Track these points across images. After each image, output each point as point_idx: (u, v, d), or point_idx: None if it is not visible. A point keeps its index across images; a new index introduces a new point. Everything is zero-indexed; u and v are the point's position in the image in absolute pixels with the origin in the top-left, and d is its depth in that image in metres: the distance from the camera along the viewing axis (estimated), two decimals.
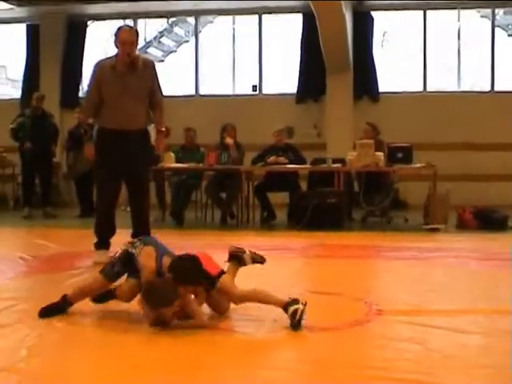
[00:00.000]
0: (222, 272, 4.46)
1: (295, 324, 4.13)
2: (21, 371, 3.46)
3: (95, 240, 7.13)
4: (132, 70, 6.92)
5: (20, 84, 15.89)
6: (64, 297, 4.60)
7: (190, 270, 4.26)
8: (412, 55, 14.64)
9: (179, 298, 4.17)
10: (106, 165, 6.99)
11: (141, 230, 7.26)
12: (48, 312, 4.51)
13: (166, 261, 4.36)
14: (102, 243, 7.07)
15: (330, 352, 3.83)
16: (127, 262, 4.49)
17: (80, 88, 15.48)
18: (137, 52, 7.15)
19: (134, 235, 7.28)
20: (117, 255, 4.56)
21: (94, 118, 7.07)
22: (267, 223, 11.02)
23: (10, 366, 3.51)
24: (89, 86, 7.32)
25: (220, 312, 4.52)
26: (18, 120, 12.14)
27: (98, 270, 4.63)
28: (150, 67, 7.10)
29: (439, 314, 4.58)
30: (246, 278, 4.89)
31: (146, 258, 4.40)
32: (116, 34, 6.98)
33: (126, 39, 6.87)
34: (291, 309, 4.18)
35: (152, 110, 7.21)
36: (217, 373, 3.45)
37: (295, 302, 4.22)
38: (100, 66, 7.06)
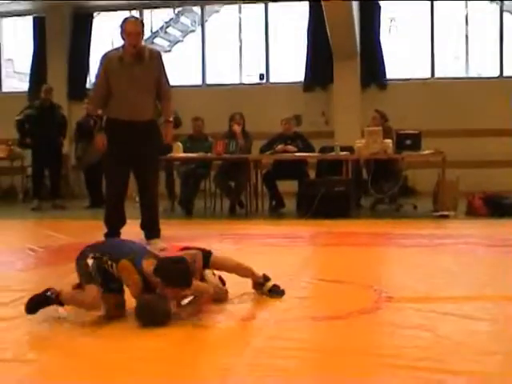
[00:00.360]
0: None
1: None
2: (30, 363, 3.47)
3: (105, 231, 7.16)
4: (139, 60, 6.94)
5: (27, 77, 15.88)
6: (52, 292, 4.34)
7: (179, 272, 4.12)
8: (419, 42, 14.57)
9: (173, 299, 4.18)
10: (114, 155, 7.01)
11: (149, 221, 7.29)
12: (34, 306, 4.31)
13: (147, 265, 4.17)
14: (113, 234, 7.09)
15: (340, 340, 3.83)
16: (104, 276, 4.24)
17: (87, 80, 15.47)
18: (143, 43, 7.15)
19: (142, 226, 7.32)
20: (91, 270, 4.25)
21: (103, 109, 7.08)
22: (276, 211, 11.03)
23: (19, 357, 3.53)
24: (96, 77, 7.35)
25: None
26: (26, 112, 12.15)
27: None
28: (156, 58, 7.11)
29: (448, 301, 4.57)
30: (253, 266, 4.90)
31: (126, 273, 4.17)
32: (122, 26, 7.00)
33: (131, 30, 6.88)
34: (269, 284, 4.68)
35: (159, 101, 7.22)
36: (224, 361, 3.45)
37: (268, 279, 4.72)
38: (107, 58, 7.08)
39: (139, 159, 7.06)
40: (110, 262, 4.20)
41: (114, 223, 7.17)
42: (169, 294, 4.10)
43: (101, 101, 7.07)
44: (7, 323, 4.19)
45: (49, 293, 4.32)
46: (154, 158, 7.35)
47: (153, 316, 4.05)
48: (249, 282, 4.81)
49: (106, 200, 7.44)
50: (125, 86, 6.93)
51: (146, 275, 4.13)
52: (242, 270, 4.76)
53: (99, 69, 7.20)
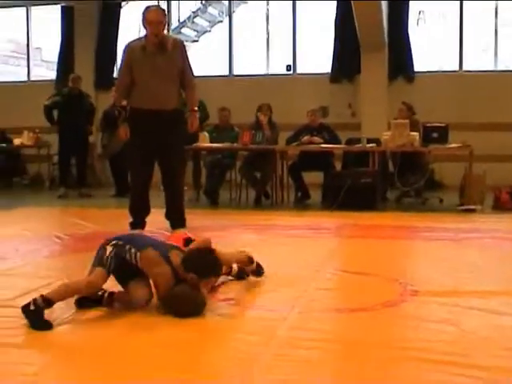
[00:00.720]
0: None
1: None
2: (58, 348, 3.51)
3: (130, 219, 7.18)
4: (161, 50, 6.94)
5: (55, 66, 15.96)
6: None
7: (211, 263, 4.18)
8: (448, 34, 14.48)
9: (206, 289, 4.18)
10: (138, 145, 7.03)
11: (174, 211, 7.30)
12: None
13: (174, 256, 4.18)
14: (138, 223, 7.12)
15: (364, 332, 3.83)
16: (119, 266, 4.20)
17: (114, 69, 15.53)
18: (166, 32, 7.14)
19: (167, 215, 7.33)
20: (108, 254, 4.22)
21: (127, 99, 7.09)
22: (301, 203, 11.03)
23: (47, 343, 3.56)
24: (120, 67, 7.38)
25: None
26: (54, 99, 12.20)
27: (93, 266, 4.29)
28: (179, 47, 7.11)
29: (474, 295, 4.54)
30: (277, 257, 4.91)
31: (152, 263, 4.15)
32: (143, 15, 7.00)
33: (152, 19, 6.88)
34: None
35: (184, 90, 7.23)
36: (249, 350, 3.46)
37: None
38: (130, 48, 7.10)
39: (163, 148, 7.07)
40: (133, 250, 4.17)
41: (139, 212, 7.20)
42: (201, 285, 4.11)
43: (125, 91, 7.09)
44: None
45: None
46: (179, 147, 7.35)
47: (192, 307, 4.05)
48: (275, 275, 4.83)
49: (131, 189, 7.46)
50: (147, 75, 6.94)
51: (176, 269, 4.12)
52: (238, 258, 4.87)
53: (122, 59, 7.23)
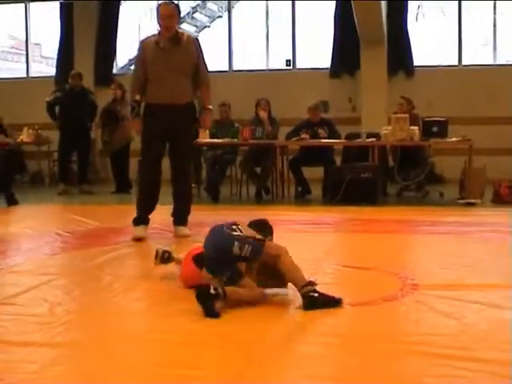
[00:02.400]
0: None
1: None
2: (59, 345, 3.51)
3: (135, 215, 7.13)
4: (175, 45, 6.93)
5: (54, 62, 15.95)
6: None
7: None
8: (447, 29, 14.47)
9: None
10: (150, 139, 7.01)
11: (182, 211, 7.28)
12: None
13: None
14: (142, 219, 7.07)
15: (365, 326, 3.84)
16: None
17: (114, 65, 15.53)
18: (177, 28, 7.13)
19: (175, 213, 7.30)
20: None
21: (141, 95, 7.08)
22: (302, 198, 11.04)
23: (48, 340, 3.56)
24: (135, 63, 7.40)
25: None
26: (55, 95, 12.19)
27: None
28: (194, 43, 7.09)
29: (475, 289, 4.55)
30: None
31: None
32: (157, 10, 7.02)
33: (163, 13, 6.88)
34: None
35: (198, 88, 7.20)
36: (248, 346, 3.47)
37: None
38: (144, 44, 7.11)
39: (175, 141, 7.05)
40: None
41: (146, 206, 7.13)
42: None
43: (139, 87, 7.07)
44: (35, 306, 4.23)
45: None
46: (191, 144, 7.35)
47: None
48: None
49: (140, 182, 7.37)
50: (161, 70, 6.92)
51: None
52: None
53: (137, 55, 7.27)
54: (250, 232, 4.37)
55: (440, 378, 3.00)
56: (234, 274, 4.22)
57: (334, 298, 4.15)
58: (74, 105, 11.94)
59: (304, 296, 4.10)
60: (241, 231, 4.32)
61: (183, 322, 3.92)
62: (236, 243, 4.19)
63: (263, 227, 4.63)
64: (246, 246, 4.19)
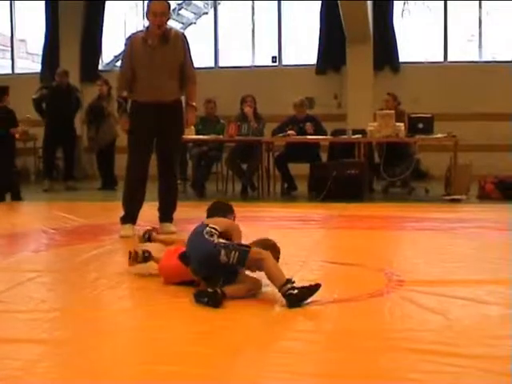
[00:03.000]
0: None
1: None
2: (44, 342, 3.49)
3: (122, 213, 7.10)
4: (163, 42, 6.89)
5: (40, 58, 15.88)
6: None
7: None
8: (433, 25, 14.49)
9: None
10: (137, 135, 6.98)
11: (169, 205, 7.26)
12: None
13: None
14: (129, 217, 7.04)
15: (350, 322, 3.84)
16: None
17: (100, 61, 15.48)
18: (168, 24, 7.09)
19: (160, 209, 7.28)
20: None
21: (128, 91, 7.04)
22: (288, 194, 11.04)
23: (33, 337, 3.54)
24: (122, 59, 7.34)
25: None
26: (42, 92, 12.15)
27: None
28: (181, 40, 7.05)
29: (460, 285, 4.56)
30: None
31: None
32: (148, 6, 6.96)
33: (156, 10, 6.81)
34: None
35: (184, 84, 7.16)
36: (233, 342, 3.47)
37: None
38: (131, 40, 7.05)
39: (162, 138, 7.02)
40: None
41: (133, 204, 7.09)
42: None
43: (126, 82, 7.02)
44: (20, 303, 4.21)
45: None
46: (178, 140, 7.32)
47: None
48: None
49: (126, 179, 7.32)
50: (148, 67, 6.88)
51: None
52: None
53: (124, 51, 7.20)
54: (224, 225, 4.51)
55: (425, 373, 3.00)
56: (228, 276, 4.27)
57: (311, 286, 4.15)
58: (60, 102, 11.92)
59: (284, 295, 4.09)
60: (217, 231, 4.38)
61: (168, 318, 3.92)
62: (222, 251, 4.21)
63: (225, 208, 4.90)
64: (233, 253, 4.21)
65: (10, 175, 10.43)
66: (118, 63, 14.60)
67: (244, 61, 15.27)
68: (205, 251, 4.29)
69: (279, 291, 4.13)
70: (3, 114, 10.62)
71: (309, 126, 10.85)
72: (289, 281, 4.14)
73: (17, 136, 11.07)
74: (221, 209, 4.85)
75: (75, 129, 12.38)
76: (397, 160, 10.67)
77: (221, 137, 10.96)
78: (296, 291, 4.07)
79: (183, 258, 4.47)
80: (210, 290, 4.06)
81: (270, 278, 4.23)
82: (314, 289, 4.13)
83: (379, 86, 13.40)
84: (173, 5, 16.03)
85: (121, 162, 10.71)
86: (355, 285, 4.74)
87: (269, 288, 4.34)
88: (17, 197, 10.27)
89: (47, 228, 7.38)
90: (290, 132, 10.84)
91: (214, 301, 4.00)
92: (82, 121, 13.04)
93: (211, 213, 4.77)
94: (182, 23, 16.53)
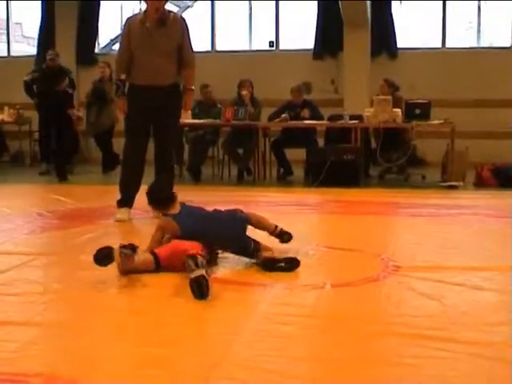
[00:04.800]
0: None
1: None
2: (39, 324, 3.49)
3: (118, 197, 7.08)
4: (160, 25, 6.85)
5: (36, 41, 15.81)
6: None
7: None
8: (431, 11, 14.45)
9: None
10: (134, 120, 6.96)
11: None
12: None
13: None
14: (126, 201, 7.02)
15: (345, 307, 3.84)
16: None
17: (96, 44, 15.42)
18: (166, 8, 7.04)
19: None
20: None
21: (126, 74, 7.01)
22: (284, 179, 11.03)
23: (28, 320, 3.54)
24: (120, 42, 7.31)
25: None
26: (33, 75, 12.07)
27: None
28: (179, 23, 7.02)
29: (456, 271, 4.57)
30: (259, 233, 4.91)
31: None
32: None
33: None
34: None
35: (182, 68, 7.13)
36: (230, 326, 3.46)
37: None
38: (129, 22, 7.03)
39: (160, 125, 7.00)
40: None
41: (129, 187, 7.06)
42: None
43: (124, 65, 7.00)
44: (15, 286, 4.21)
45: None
46: (175, 124, 7.30)
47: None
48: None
49: (123, 166, 7.29)
50: (145, 50, 6.85)
51: None
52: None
53: (122, 33, 7.18)
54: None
55: (420, 358, 3.00)
56: (254, 245, 4.79)
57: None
58: (51, 84, 11.82)
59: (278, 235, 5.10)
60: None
61: (163, 301, 3.92)
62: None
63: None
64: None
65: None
66: (115, 47, 14.57)
67: (241, 45, 15.22)
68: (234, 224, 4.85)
69: (272, 234, 5.09)
70: (62, 97, 11.51)
71: (305, 112, 10.82)
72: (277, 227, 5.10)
73: (73, 118, 11.71)
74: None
75: (66, 111, 12.28)
76: (393, 146, 10.65)
77: (217, 121, 10.93)
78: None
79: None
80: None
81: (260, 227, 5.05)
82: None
83: (376, 71, 13.36)
84: None
85: (119, 145, 10.72)
86: (351, 270, 4.74)
87: (261, 269, 4.35)
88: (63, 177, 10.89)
89: (43, 211, 7.36)
90: (283, 116, 10.80)
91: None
92: (79, 104, 12.96)
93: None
94: (179, 7, 16.47)
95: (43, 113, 11.91)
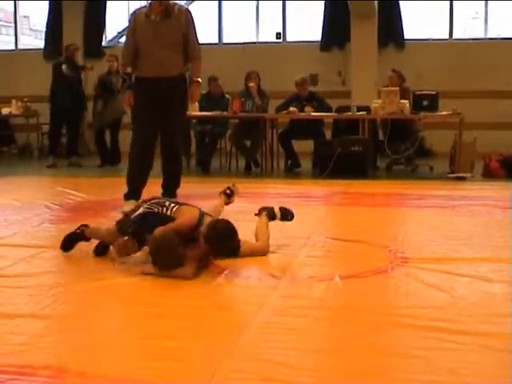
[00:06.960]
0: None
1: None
2: (47, 317, 3.50)
3: (126, 190, 7.08)
4: (166, 17, 6.87)
5: (43, 34, 15.81)
6: (82, 228, 4.93)
7: (230, 249, 4.39)
8: (438, 1, 14.39)
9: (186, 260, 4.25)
10: (141, 112, 6.97)
11: (171, 181, 7.24)
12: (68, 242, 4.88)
13: (207, 220, 4.47)
14: (133, 193, 7.01)
15: (354, 299, 3.84)
16: (146, 223, 4.52)
17: (103, 37, 15.41)
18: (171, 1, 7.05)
19: (164, 185, 7.26)
20: (136, 214, 4.62)
21: (132, 67, 7.03)
22: (291, 171, 11.02)
23: (37, 312, 3.55)
24: (126, 35, 7.34)
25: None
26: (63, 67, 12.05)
27: (115, 221, 4.83)
28: (184, 15, 7.03)
29: (464, 262, 4.56)
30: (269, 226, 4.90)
31: (188, 211, 4.56)
32: None
33: None
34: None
35: (188, 60, 7.13)
36: (238, 319, 3.47)
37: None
38: (135, 15, 7.06)
39: (167, 117, 7.00)
40: (172, 205, 4.59)
41: (136, 182, 7.06)
42: (201, 249, 4.32)
43: (130, 58, 7.02)
44: (24, 278, 4.21)
45: (79, 230, 4.91)
46: (182, 116, 7.31)
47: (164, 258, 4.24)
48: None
49: (130, 158, 7.29)
50: (151, 43, 6.87)
51: (201, 224, 4.41)
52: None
53: (128, 26, 7.23)
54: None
55: (429, 350, 3.00)
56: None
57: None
58: (68, 80, 11.84)
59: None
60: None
61: (171, 294, 3.92)
62: None
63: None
64: None
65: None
66: (122, 39, 14.54)
67: (248, 37, 15.19)
68: None
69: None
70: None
71: (308, 109, 10.77)
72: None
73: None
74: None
75: (83, 105, 12.30)
76: (401, 137, 10.63)
77: (225, 113, 10.92)
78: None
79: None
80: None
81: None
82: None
83: (383, 62, 13.31)
84: None
85: (125, 138, 10.72)
86: (359, 262, 4.74)
87: (270, 262, 4.34)
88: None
89: (51, 203, 7.37)
90: (291, 109, 10.79)
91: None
92: (87, 96, 12.96)
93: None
94: None
95: (57, 107, 11.89)
